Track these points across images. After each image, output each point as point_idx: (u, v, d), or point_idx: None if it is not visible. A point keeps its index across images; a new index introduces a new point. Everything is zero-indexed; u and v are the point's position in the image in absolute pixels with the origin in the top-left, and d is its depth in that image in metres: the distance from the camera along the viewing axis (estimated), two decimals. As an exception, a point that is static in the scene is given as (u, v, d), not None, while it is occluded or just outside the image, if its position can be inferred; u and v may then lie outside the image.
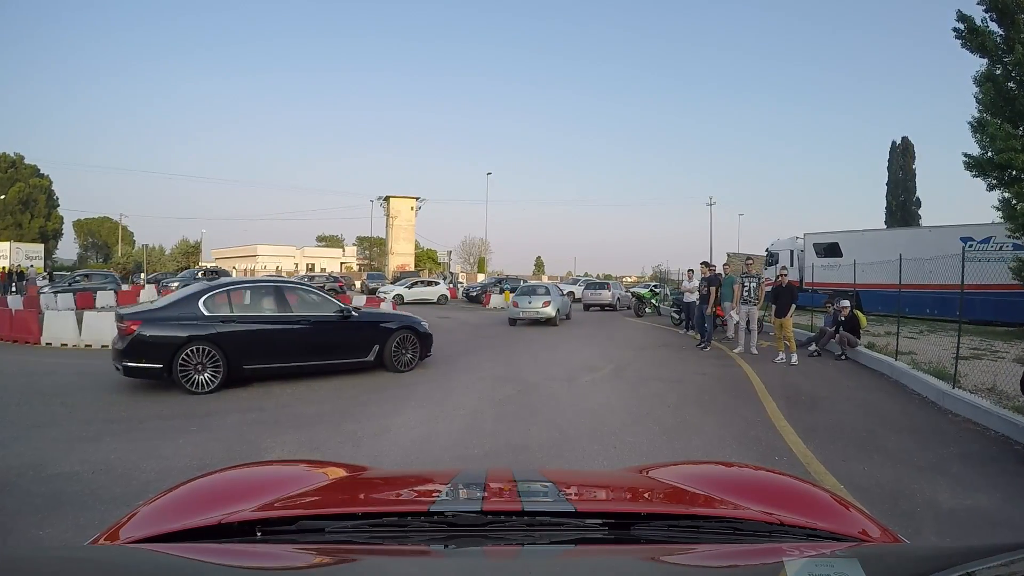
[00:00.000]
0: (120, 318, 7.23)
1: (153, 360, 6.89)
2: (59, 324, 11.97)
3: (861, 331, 10.26)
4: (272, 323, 7.58)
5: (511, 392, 6.95)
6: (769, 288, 11.03)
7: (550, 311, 16.12)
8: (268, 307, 7.78)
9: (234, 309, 7.51)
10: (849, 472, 4.26)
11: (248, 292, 8.00)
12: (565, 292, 22.08)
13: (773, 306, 10.01)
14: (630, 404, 6.34)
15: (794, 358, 9.29)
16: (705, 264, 12.00)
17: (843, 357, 10.02)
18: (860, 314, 10.27)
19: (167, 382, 6.89)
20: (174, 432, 5.24)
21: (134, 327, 6.92)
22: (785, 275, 9.86)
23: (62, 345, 11.56)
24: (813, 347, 10.57)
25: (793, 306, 9.53)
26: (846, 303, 10.22)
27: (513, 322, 16.60)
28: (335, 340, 7.93)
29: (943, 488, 4.09)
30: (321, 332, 7.81)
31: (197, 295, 7.46)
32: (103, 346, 11.31)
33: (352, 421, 5.59)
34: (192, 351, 6.91)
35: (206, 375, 6.98)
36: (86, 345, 11.47)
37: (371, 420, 5.62)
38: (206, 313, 7.21)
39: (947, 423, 5.97)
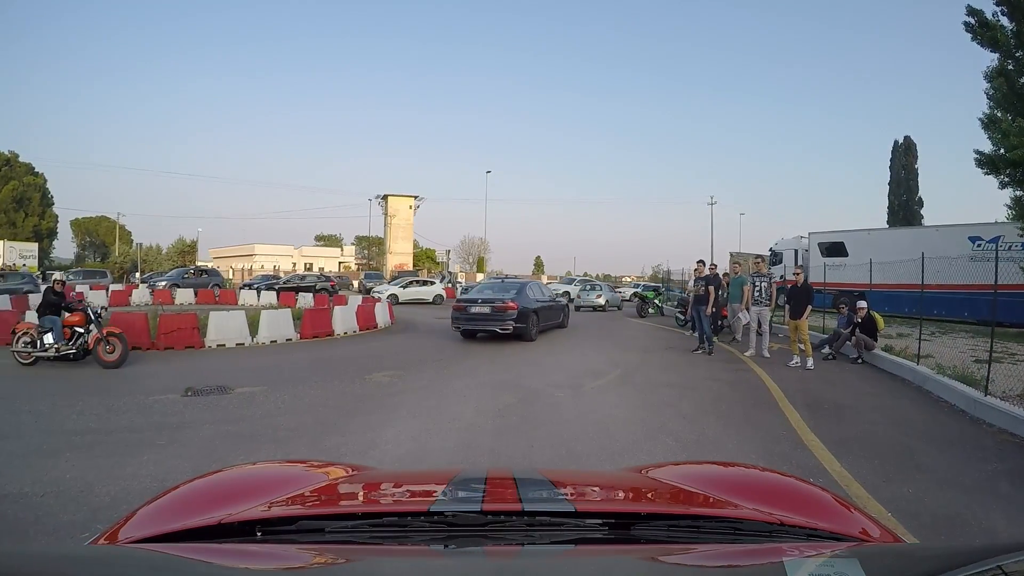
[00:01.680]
0: (502, 301, 12.05)
1: (523, 323, 11.90)
2: (40, 325, 11.44)
3: (878, 333, 9.79)
4: (533, 302, 12.74)
5: (511, 401, 6.43)
6: (777, 287, 10.57)
7: (601, 301, 23.57)
8: (534, 295, 13.19)
9: (532, 294, 12.93)
10: (894, 496, 3.79)
11: (531, 285, 13.74)
12: (615, 290, 30.28)
13: (787, 307, 9.52)
14: (641, 415, 5.83)
15: (809, 362, 8.81)
16: (701, 263, 11.23)
17: (860, 360, 9.55)
18: (877, 316, 9.79)
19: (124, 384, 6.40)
20: (140, 447, 4.77)
21: (516, 305, 11.91)
22: (800, 274, 9.35)
23: (43, 347, 11.06)
24: (827, 350, 10.10)
25: (809, 307, 9.04)
26: (863, 304, 9.75)
27: (578, 308, 22.52)
28: (552, 313, 14.04)
29: (997, 512, 3.66)
30: (549, 308, 13.83)
31: (524, 287, 13.03)
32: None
33: (336, 434, 5.09)
34: (533, 318, 12.23)
35: (533, 331, 12.24)
36: (68, 347, 10.96)
37: (356, 434, 5.11)
38: (530, 296, 12.73)
39: (983, 434, 5.53)
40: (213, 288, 27.94)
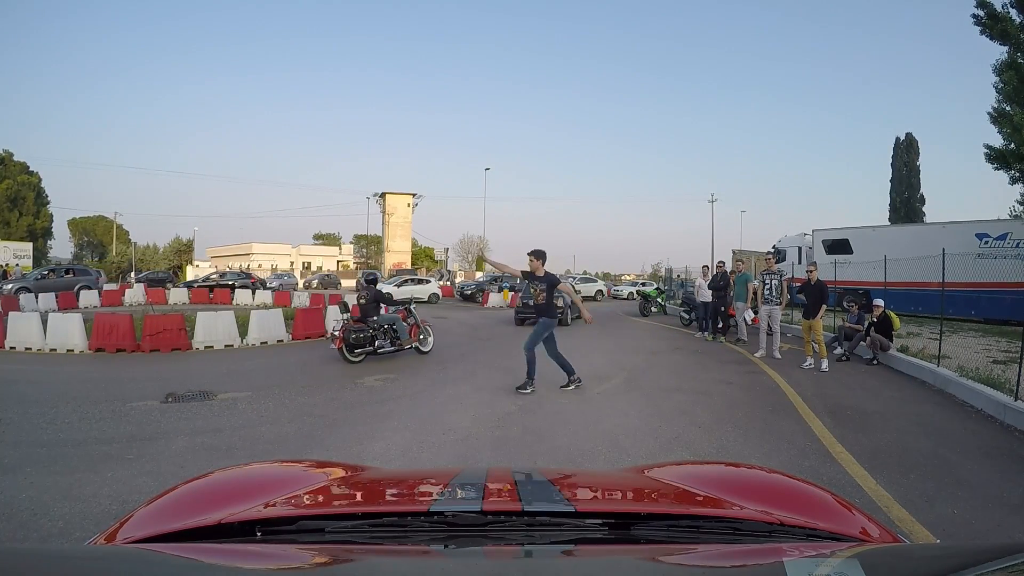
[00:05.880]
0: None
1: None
2: (23, 327, 11.03)
3: (893, 333, 9.38)
4: None
5: (511, 408, 6.00)
6: (796, 285, 10.14)
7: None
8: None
9: None
10: (939, 518, 3.40)
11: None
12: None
13: (802, 306, 9.10)
14: (653, 424, 5.42)
15: (824, 364, 8.41)
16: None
17: (875, 362, 9.16)
18: (893, 315, 9.39)
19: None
20: (107, 460, 4.38)
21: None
22: (814, 271, 8.92)
23: (26, 349, 10.68)
24: (840, 350, 9.70)
25: (824, 306, 8.62)
26: (880, 302, 9.35)
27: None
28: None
29: (1053, 535, 3.28)
30: None
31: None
32: (68, 350, 10.46)
33: (318, 448, 4.67)
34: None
35: None
36: (51, 349, 10.57)
37: (341, 447, 4.69)
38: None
39: (1019, 443, 5.14)
40: (80, 291, 22.41)
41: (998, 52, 17.62)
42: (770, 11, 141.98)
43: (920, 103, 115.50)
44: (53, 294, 20.26)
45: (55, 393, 6.81)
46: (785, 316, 11.86)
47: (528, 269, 6.95)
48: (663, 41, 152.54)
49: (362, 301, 9.60)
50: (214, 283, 28.41)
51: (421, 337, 10.00)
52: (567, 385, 6.90)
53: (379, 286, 10.34)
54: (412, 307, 10.34)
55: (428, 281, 29.91)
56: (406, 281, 28.79)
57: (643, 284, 32.05)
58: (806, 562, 0.85)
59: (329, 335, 9.64)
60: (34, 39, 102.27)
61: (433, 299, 27.33)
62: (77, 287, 23.32)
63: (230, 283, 28.47)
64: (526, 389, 6.73)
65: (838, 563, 0.84)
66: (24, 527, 3.34)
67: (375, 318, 9.36)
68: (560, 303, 17.29)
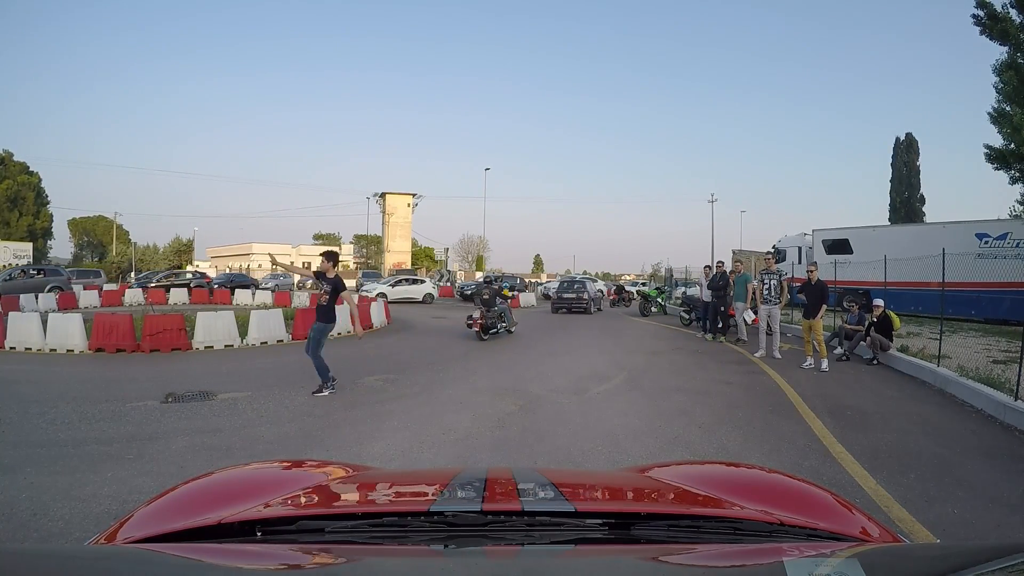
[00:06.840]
0: (580, 290, 21.77)
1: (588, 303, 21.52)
2: (23, 327, 11.03)
3: (893, 333, 9.39)
4: (592, 291, 22.78)
5: (511, 409, 6.00)
6: (796, 285, 10.14)
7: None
8: (590, 287, 23.41)
9: (589, 287, 23.48)
10: (939, 517, 3.40)
11: (587, 282, 24.46)
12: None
13: (802, 307, 9.10)
14: (653, 424, 5.42)
15: (824, 364, 8.41)
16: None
17: (875, 361, 9.16)
18: (893, 315, 9.39)
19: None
20: (107, 461, 4.38)
21: (585, 296, 21.53)
22: (814, 271, 8.91)
23: (26, 350, 10.68)
24: (840, 350, 9.70)
25: (824, 306, 8.62)
26: (880, 302, 9.35)
27: (557, 310, 23.37)
28: (599, 299, 24.38)
29: (1052, 534, 3.29)
30: (598, 298, 24.15)
31: (585, 283, 23.72)
32: (68, 350, 10.47)
33: (318, 448, 4.68)
34: (592, 302, 22.09)
35: (593, 308, 21.88)
36: (51, 349, 10.57)
37: (342, 447, 4.70)
38: (589, 288, 23.14)
39: (1019, 443, 5.14)
40: (53, 291, 21.79)
41: (998, 52, 17.64)
42: (771, 11, 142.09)
43: (920, 103, 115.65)
44: (53, 294, 20.19)
45: (55, 393, 6.81)
46: (785, 316, 11.87)
47: (320, 269, 6.97)
48: (664, 41, 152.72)
49: (485, 296, 12.65)
50: (169, 283, 29.01)
51: (515, 321, 13.70)
52: (319, 391, 6.66)
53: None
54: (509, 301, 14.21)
55: (423, 281, 29.85)
56: (401, 281, 28.84)
57: (643, 284, 32.08)
58: (806, 562, 0.85)
59: (468, 320, 12.45)
60: (34, 39, 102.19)
61: (428, 299, 27.26)
62: (48, 287, 22.73)
63: (186, 282, 29.46)
64: (323, 392, 6.64)
65: (838, 563, 0.84)
66: (24, 527, 3.34)
67: (496, 308, 12.47)
68: (585, 296, 21.03)
